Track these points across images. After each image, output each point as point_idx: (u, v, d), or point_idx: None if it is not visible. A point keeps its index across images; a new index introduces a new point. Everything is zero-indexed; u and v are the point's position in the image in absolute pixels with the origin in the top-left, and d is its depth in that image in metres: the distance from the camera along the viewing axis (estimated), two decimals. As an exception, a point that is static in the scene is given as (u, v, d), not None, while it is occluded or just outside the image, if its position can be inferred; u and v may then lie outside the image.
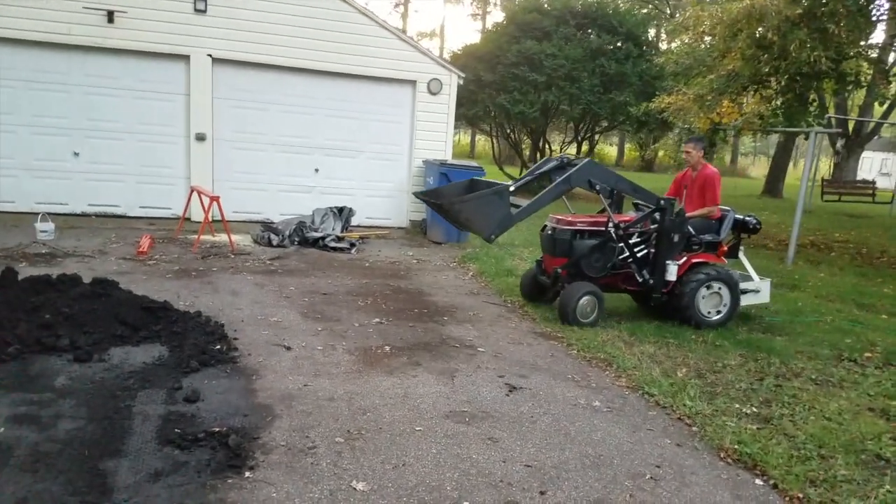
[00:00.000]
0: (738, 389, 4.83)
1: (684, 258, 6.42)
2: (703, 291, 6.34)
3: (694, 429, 4.14)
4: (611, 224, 6.21)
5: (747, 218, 6.90)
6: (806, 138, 11.50)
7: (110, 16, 9.53)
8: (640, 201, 6.63)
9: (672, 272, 6.32)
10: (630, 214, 6.64)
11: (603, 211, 6.50)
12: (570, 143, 22.42)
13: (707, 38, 12.66)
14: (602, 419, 4.22)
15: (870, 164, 38.57)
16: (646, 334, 6.05)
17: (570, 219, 6.42)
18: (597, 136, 24.09)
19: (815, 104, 12.25)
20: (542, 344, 5.72)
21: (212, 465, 3.27)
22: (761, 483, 3.51)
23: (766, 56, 10.55)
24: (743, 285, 6.63)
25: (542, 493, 3.27)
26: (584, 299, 6.12)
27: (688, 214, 6.51)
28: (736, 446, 3.83)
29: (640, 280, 6.36)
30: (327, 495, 3.11)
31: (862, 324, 7.00)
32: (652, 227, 6.42)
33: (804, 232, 14.05)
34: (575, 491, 3.31)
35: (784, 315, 7.20)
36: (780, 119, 11.72)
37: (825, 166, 33.21)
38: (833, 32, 9.58)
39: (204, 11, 9.95)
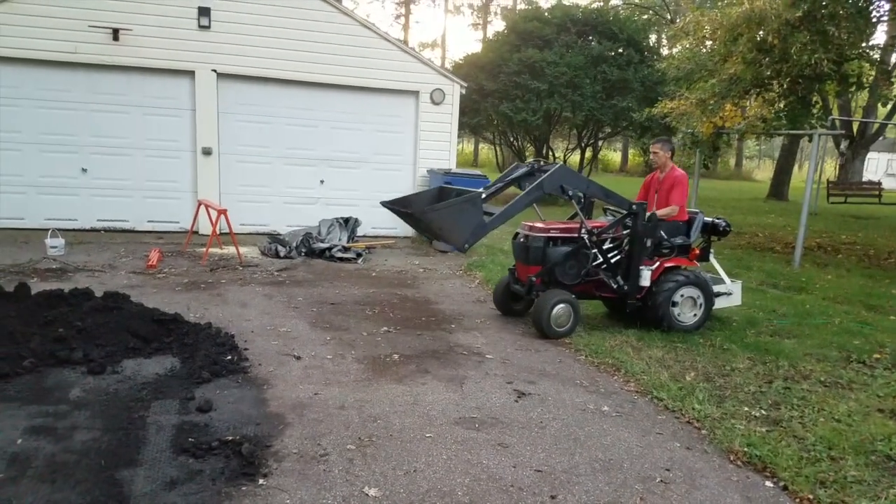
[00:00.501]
0: (746, 392, 4.84)
1: (657, 263, 6.37)
2: (677, 296, 6.31)
3: (703, 432, 4.15)
4: (584, 230, 6.17)
5: (717, 220, 6.85)
6: (810, 140, 11.50)
7: (115, 34, 9.65)
8: (610, 206, 6.62)
9: (646, 277, 6.28)
10: (601, 220, 6.59)
11: (574, 217, 6.45)
12: (574, 149, 22.48)
13: (708, 43, 12.71)
14: (611, 424, 4.24)
15: (875, 165, 38.53)
16: (654, 339, 6.07)
17: (542, 226, 6.34)
18: (601, 143, 24.16)
19: (818, 106, 12.27)
20: (549, 350, 5.75)
21: (226, 473, 3.31)
22: (771, 485, 3.52)
23: (767, 59, 10.59)
24: (715, 288, 6.60)
25: (552, 497, 3.29)
26: (559, 308, 6.01)
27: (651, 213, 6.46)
28: (745, 449, 3.85)
29: (615, 286, 6.32)
30: (340, 502, 3.14)
31: (870, 325, 6.99)
32: (624, 232, 6.37)
33: (811, 234, 14.04)
34: (585, 495, 3.33)
35: (792, 318, 7.20)
36: (782, 122, 11.73)
37: (831, 168, 33.18)
38: (833, 35, 9.60)
39: (208, 27, 10.07)
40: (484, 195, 5.94)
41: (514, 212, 5.95)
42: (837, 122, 20.69)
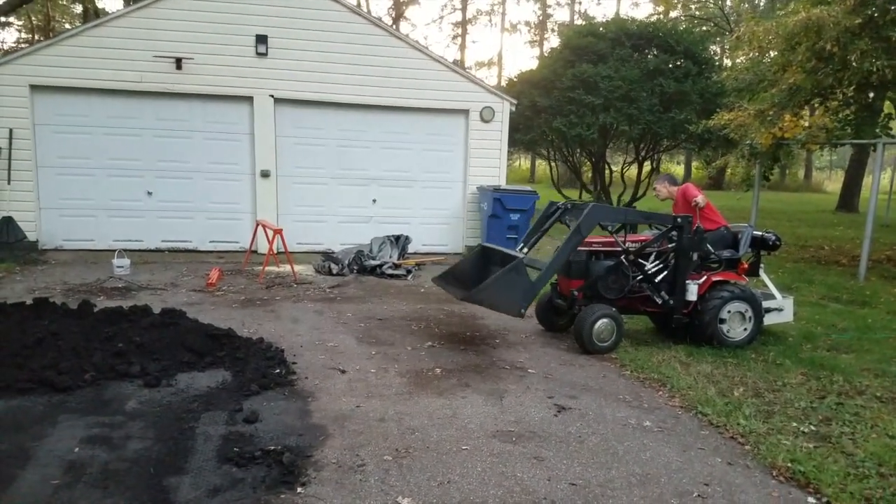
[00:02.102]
0: (796, 408, 4.70)
1: (704, 277, 6.25)
2: (724, 312, 6.14)
3: (747, 447, 4.05)
4: (621, 249, 6.16)
5: (766, 234, 6.66)
6: (874, 150, 11.06)
7: (178, 63, 10.16)
8: (656, 223, 6.59)
9: (692, 292, 6.16)
10: (646, 234, 6.50)
11: (619, 231, 6.40)
12: (632, 163, 22.18)
13: (771, 53, 12.41)
14: (652, 439, 4.18)
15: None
16: (703, 354, 5.95)
17: (586, 239, 6.27)
18: (661, 155, 23.71)
19: (882, 115, 11.78)
20: (594, 365, 5.71)
21: (266, 481, 3.44)
22: (814, 501, 3.42)
23: (827, 68, 10.28)
24: (765, 304, 6.39)
25: (585, 510, 3.28)
26: (601, 322, 5.94)
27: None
28: (789, 464, 3.74)
29: (660, 301, 6.22)
30: (373, 511, 3.22)
31: (937, 340, 6.66)
32: (669, 246, 6.29)
33: (881, 247, 13.44)
34: (619, 508, 3.31)
35: (852, 332, 6.93)
36: (846, 132, 11.31)
37: (906, 178, 31.58)
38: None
39: (265, 55, 10.48)
40: (526, 250, 6.13)
41: (559, 262, 5.96)
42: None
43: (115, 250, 9.19)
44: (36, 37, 29.64)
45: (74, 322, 5.32)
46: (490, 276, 6.00)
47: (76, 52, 9.89)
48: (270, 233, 9.32)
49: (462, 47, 46.28)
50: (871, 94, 11.40)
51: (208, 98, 10.51)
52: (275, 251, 9.40)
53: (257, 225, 10.09)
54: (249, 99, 10.62)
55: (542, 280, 5.88)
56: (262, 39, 10.45)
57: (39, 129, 10.05)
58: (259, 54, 10.47)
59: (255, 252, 10.39)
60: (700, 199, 6.45)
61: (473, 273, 6.49)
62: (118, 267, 8.75)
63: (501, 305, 5.85)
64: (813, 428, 4.33)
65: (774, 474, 3.69)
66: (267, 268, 9.38)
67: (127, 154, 10.39)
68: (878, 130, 10.91)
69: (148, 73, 10.12)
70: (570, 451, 3.96)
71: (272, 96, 10.65)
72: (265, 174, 10.80)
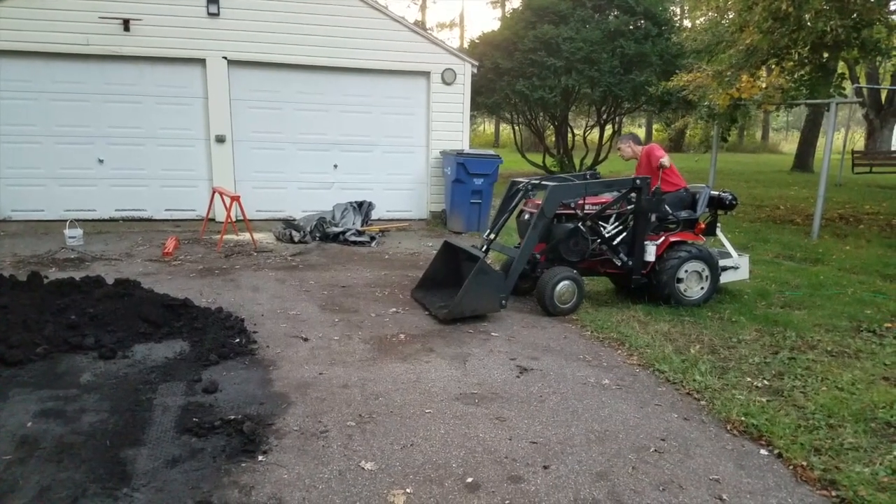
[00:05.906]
0: (750, 364, 4.82)
1: (662, 238, 6.36)
2: (682, 271, 6.27)
3: (702, 403, 4.16)
4: (578, 213, 6.22)
5: (723, 194, 6.79)
6: (827, 110, 11.26)
7: (126, 24, 9.76)
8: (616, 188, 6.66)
9: (651, 253, 6.28)
10: (606, 196, 6.57)
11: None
12: (594, 126, 22.22)
13: (729, 14, 12.48)
14: (610, 396, 4.26)
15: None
16: (661, 313, 6.06)
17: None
18: (622, 118, 23.81)
19: (836, 74, 12.00)
20: (555, 327, 5.77)
21: (227, 450, 3.40)
22: (766, 453, 3.52)
23: (783, 28, 10.37)
24: (722, 262, 6.57)
25: (545, 467, 3.33)
26: (562, 285, 6.01)
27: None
28: (742, 418, 3.85)
29: (619, 263, 6.33)
30: (336, 475, 3.22)
31: (885, 295, 6.89)
32: (628, 207, 6.37)
33: (833, 206, 13.80)
34: (578, 465, 3.37)
35: (805, 289, 7.12)
36: (801, 91, 11.49)
37: (859, 137, 32.41)
38: (849, 0, 9.36)
39: (217, 15, 10.13)
40: (493, 236, 6.30)
41: (530, 247, 6.00)
42: (865, 91, 20.20)
43: (66, 220, 8.91)
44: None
45: (24, 294, 5.15)
46: (462, 274, 6.08)
47: (16, 14, 9.41)
48: (228, 200, 9.12)
49: (423, 8, 45.57)
50: (825, 55, 11.57)
51: (158, 61, 10.15)
52: (233, 219, 9.23)
53: (214, 192, 9.86)
54: (202, 61, 10.29)
55: (516, 270, 5.93)
56: (213, -1, 10.09)
57: (-20, 95, 9.61)
58: (211, 14, 10.12)
59: (213, 220, 10.19)
60: (665, 160, 6.51)
61: (446, 271, 6.51)
62: (70, 237, 8.49)
63: (482, 308, 5.88)
64: (766, 382, 4.46)
65: (728, 428, 3.80)
66: (225, 236, 9.22)
67: (75, 120, 10.01)
68: (831, 90, 11.10)
69: (94, 36, 9.70)
70: (531, 410, 4.01)
71: (225, 58, 10.33)
72: (220, 139, 10.54)
